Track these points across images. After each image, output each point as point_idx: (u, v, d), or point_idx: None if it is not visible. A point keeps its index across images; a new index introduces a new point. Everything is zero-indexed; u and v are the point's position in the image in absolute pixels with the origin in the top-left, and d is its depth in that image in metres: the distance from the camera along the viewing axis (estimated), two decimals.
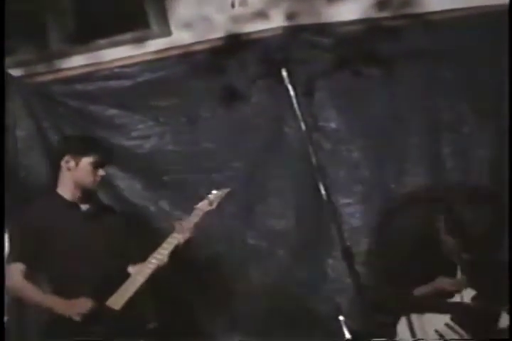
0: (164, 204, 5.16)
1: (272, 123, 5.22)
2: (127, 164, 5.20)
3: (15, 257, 4.14)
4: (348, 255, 3.94)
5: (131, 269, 4.19)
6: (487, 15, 5.20)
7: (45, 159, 5.12)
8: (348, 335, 4.06)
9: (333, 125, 5.22)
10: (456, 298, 4.65)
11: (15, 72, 5.23)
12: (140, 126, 5.23)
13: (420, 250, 4.74)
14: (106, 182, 5.00)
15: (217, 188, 4.98)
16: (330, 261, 5.07)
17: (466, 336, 4.59)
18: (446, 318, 4.63)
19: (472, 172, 5.17)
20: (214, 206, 4.35)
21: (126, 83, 5.25)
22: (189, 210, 4.51)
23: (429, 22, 5.12)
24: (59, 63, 5.35)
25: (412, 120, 5.23)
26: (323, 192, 4.08)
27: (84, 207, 4.24)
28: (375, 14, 5.12)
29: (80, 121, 5.23)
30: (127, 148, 5.22)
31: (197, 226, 4.26)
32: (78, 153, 4.22)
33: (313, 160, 3.91)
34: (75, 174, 4.20)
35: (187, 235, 4.19)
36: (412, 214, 5.01)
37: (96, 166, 4.22)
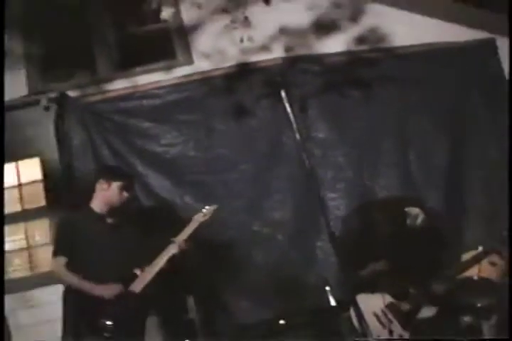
0: (188, 199, 5.46)
1: (273, 134, 5.51)
2: (158, 166, 5.53)
3: (59, 252, 4.53)
4: (333, 239, 4.27)
5: (137, 271, 4.55)
6: (448, 49, 5.58)
7: (94, 163, 5.50)
8: (333, 302, 4.45)
9: (322, 135, 5.53)
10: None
11: (71, 93, 5.67)
12: (168, 136, 5.56)
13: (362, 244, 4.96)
14: (142, 182, 5.45)
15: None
16: (319, 243, 5.34)
17: (394, 322, 4.71)
18: (382, 305, 4.73)
19: (432, 174, 5.46)
20: (207, 217, 4.71)
21: (158, 102, 5.61)
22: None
23: (400, 54, 5.51)
24: (105, 86, 5.75)
25: (386, 132, 5.54)
26: (314, 189, 4.37)
27: (109, 220, 4.65)
28: (355, 47, 5.55)
29: (121, 133, 5.57)
30: (158, 154, 5.54)
31: (192, 236, 4.58)
32: (110, 178, 4.66)
33: (307, 164, 4.18)
34: (106, 194, 4.65)
35: (182, 247, 4.56)
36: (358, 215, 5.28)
37: (122, 189, 4.66)
